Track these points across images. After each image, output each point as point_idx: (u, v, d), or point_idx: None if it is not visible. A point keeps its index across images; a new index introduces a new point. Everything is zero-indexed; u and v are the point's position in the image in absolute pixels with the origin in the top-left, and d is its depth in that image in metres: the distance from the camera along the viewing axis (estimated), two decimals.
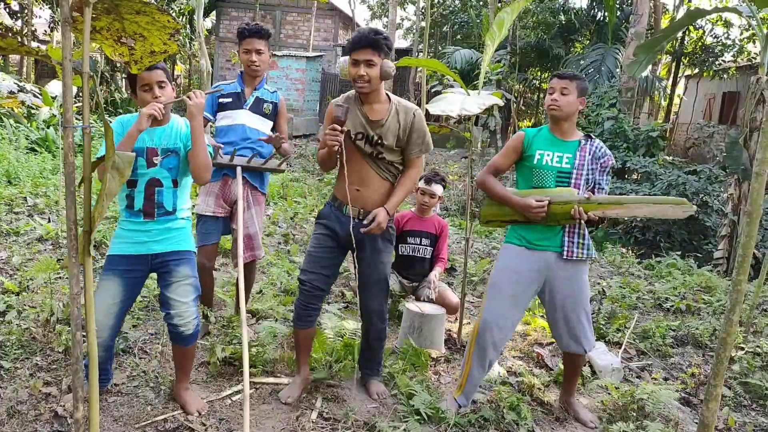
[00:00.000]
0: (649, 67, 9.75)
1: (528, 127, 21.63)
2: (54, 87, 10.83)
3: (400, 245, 3.97)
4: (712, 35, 18.35)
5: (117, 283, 2.37)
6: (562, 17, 17.45)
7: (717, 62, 17.81)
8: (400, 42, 26.75)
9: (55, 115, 9.76)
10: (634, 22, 9.78)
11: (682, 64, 19.24)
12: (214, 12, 19.63)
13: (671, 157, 12.49)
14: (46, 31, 20.46)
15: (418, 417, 2.65)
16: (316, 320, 2.80)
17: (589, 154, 2.62)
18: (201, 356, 3.09)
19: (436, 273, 3.83)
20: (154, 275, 2.52)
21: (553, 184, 2.63)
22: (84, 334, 1.66)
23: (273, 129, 3.34)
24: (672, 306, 4.66)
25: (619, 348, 3.77)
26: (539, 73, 20.48)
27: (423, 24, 17.41)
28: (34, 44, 16.25)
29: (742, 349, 3.81)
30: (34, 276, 3.86)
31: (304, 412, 2.65)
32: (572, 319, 2.69)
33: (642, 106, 14.71)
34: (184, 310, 2.43)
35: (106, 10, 1.56)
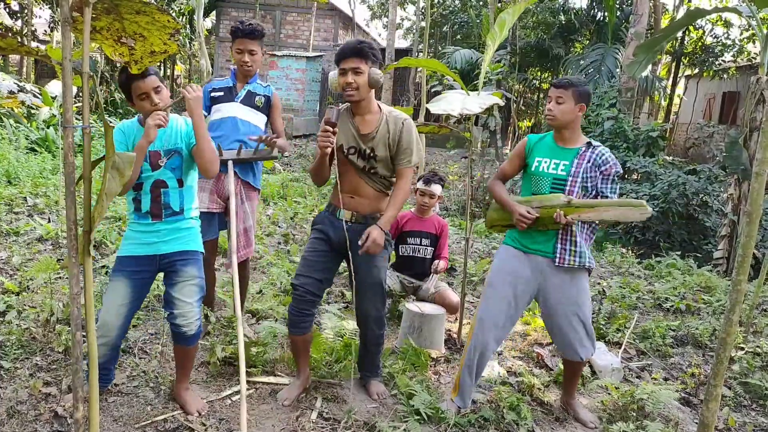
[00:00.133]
0: (649, 67, 9.74)
1: (528, 127, 21.72)
2: (54, 87, 10.83)
3: (400, 245, 3.97)
4: (712, 35, 18.35)
5: (126, 284, 2.38)
6: (562, 17, 17.45)
7: (717, 62, 17.82)
8: (400, 42, 26.75)
9: (55, 115, 9.76)
10: (634, 22, 9.78)
11: (682, 64, 19.24)
12: (214, 12, 19.63)
13: (671, 157, 12.48)
14: (46, 31, 20.46)
15: (418, 417, 2.65)
16: (312, 325, 2.77)
17: (589, 162, 2.59)
18: (201, 356, 3.09)
19: (439, 263, 3.85)
20: (159, 275, 2.53)
21: (548, 190, 2.64)
22: (84, 334, 1.66)
23: (267, 123, 3.33)
24: (672, 306, 4.66)
25: (619, 348, 3.77)
26: (539, 73, 20.49)
27: (423, 24, 17.41)
28: (34, 44, 16.24)
29: (742, 349, 3.81)
30: (34, 276, 3.86)
31: (304, 412, 2.65)
32: (565, 326, 2.67)
33: (642, 106, 14.72)
34: (188, 311, 2.43)
35: (106, 10, 1.56)
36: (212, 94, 3.21)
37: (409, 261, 3.96)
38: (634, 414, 2.82)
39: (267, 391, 2.82)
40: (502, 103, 3.19)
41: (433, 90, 10.19)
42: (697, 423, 2.44)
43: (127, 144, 2.39)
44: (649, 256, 6.63)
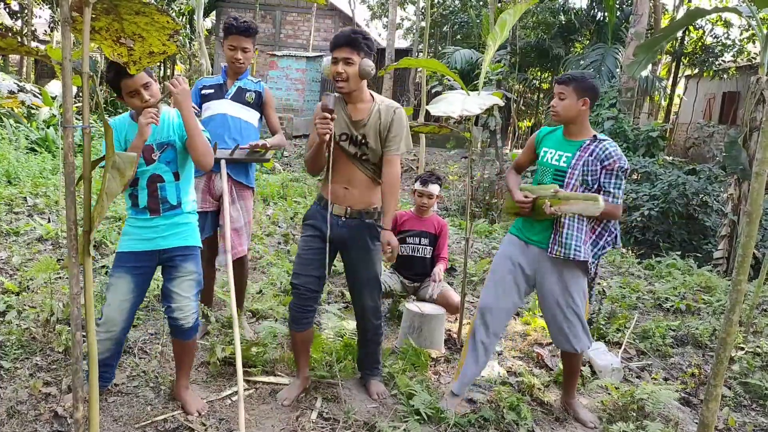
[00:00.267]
0: (649, 67, 9.73)
1: (528, 127, 21.71)
2: (54, 87, 10.83)
3: (399, 245, 3.97)
4: (712, 35, 18.35)
5: (127, 280, 2.39)
6: (562, 17, 17.44)
7: (717, 62, 17.81)
8: (400, 42, 26.75)
9: (55, 115, 9.76)
10: (634, 22, 9.78)
11: (682, 64, 19.24)
12: (214, 12, 19.62)
13: (671, 157, 12.48)
14: (46, 31, 20.47)
15: (418, 417, 2.65)
16: (313, 321, 2.79)
17: (591, 155, 2.60)
18: (201, 356, 3.09)
19: (439, 269, 3.84)
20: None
21: (550, 180, 2.69)
22: (84, 334, 1.66)
23: (262, 119, 3.31)
24: (672, 306, 4.66)
25: (619, 348, 3.77)
26: (539, 73, 20.48)
27: (423, 24, 17.40)
28: (34, 44, 16.24)
29: (742, 349, 3.81)
30: (34, 276, 3.86)
31: (304, 412, 2.65)
32: (560, 317, 2.72)
33: (642, 106, 14.72)
34: (185, 304, 2.45)
35: (105, 11, 1.56)
36: (203, 92, 3.18)
37: (408, 261, 3.96)
38: (634, 414, 2.82)
39: (267, 391, 2.82)
40: (502, 103, 3.19)
41: (433, 90, 10.19)
42: (697, 423, 2.44)
43: (119, 140, 2.38)
44: (649, 256, 6.63)
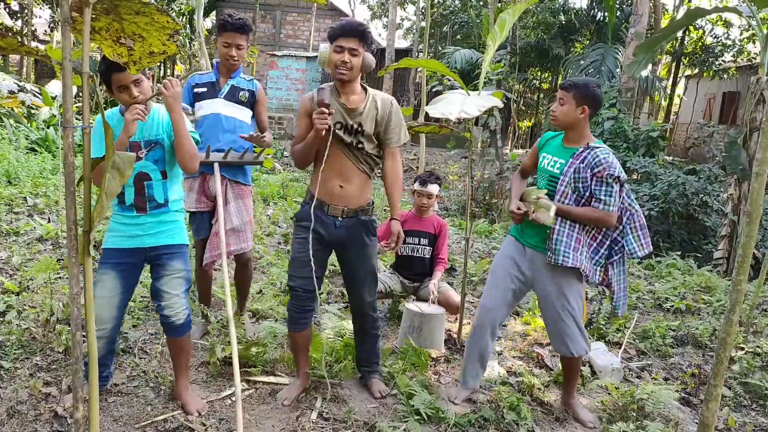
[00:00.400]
0: (649, 67, 9.72)
1: (528, 127, 21.71)
2: (54, 87, 10.82)
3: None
4: (712, 35, 18.34)
5: (114, 276, 2.39)
6: (562, 17, 17.43)
7: (717, 62, 17.80)
8: (400, 42, 26.75)
9: (55, 115, 9.75)
10: (634, 22, 9.77)
11: (682, 64, 19.23)
12: (214, 12, 19.62)
13: (671, 157, 12.48)
14: (46, 31, 20.47)
15: (418, 417, 2.65)
16: (312, 321, 2.80)
17: (582, 163, 2.60)
18: (201, 356, 3.09)
19: (435, 281, 3.78)
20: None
21: (545, 186, 2.72)
22: (84, 334, 1.66)
23: (253, 118, 3.28)
24: (672, 306, 4.66)
25: (619, 348, 3.77)
26: (539, 73, 20.49)
27: (423, 24, 17.40)
28: (34, 44, 16.24)
29: (742, 349, 3.81)
30: (34, 276, 3.86)
31: (304, 412, 2.65)
32: (555, 321, 2.73)
33: (642, 106, 14.71)
34: (174, 302, 2.45)
35: (105, 11, 1.56)
36: (195, 90, 3.15)
37: (408, 261, 3.95)
38: (634, 414, 2.82)
39: (267, 391, 2.82)
40: (501, 105, 3.19)
41: (433, 90, 10.18)
42: (697, 423, 2.44)
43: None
44: (650, 256, 6.62)
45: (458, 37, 20.62)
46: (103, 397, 2.58)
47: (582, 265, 2.63)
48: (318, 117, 2.46)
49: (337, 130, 2.60)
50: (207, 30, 20.72)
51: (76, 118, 1.57)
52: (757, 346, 3.78)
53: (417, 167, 10.73)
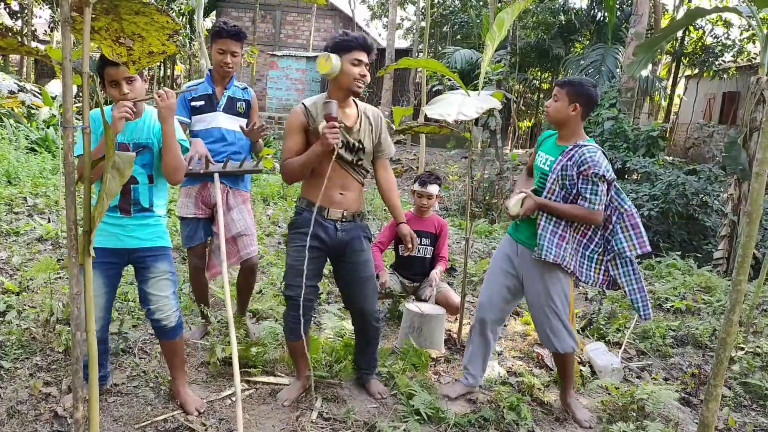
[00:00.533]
0: (649, 67, 9.71)
1: (528, 127, 21.72)
2: (54, 87, 10.81)
3: (399, 245, 3.97)
4: (712, 35, 18.34)
5: (96, 275, 2.36)
6: (562, 17, 17.43)
7: (717, 62, 17.80)
8: (400, 42, 26.74)
9: (55, 115, 9.75)
10: (634, 23, 9.77)
11: (682, 64, 19.23)
12: (214, 12, 19.63)
13: (671, 157, 12.48)
14: (46, 31, 20.46)
15: (418, 417, 2.65)
16: (310, 327, 2.78)
17: (570, 160, 2.62)
18: (201, 356, 3.09)
19: (437, 272, 3.84)
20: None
21: (537, 182, 2.78)
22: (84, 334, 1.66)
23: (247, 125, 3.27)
24: (672, 306, 4.66)
25: (619, 348, 3.77)
26: (539, 74, 20.48)
27: (423, 24, 17.41)
28: (34, 44, 16.24)
29: (742, 349, 3.81)
30: (34, 276, 3.86)
31: (304, 412, 2.65)
32: (540, 316, 2.78)
33: (642, 106, 14.70)
34: (163, 304, 2.44)
35: (105, 11, 1.56)
36: (192, 103, 3.10)
37: (408, 261, 3.95)
38: (634, 414, 2.82)
39: (267, 391, 2.82)
40: (499, 106, 3.18)
41: (434, 90, 10.18)
42: (697, 423, 2.44)
43: (96, 132, 2.33)
44: (649, 256, 6.62)
45: (458, 37, 20.62)
46: (103, 397, 2.58)
47: (565, 261, 2.65)
48: (330, 132, 2.40)
49: (339, 149, 2.57)
50: (207, 30, 20.73)
51: (76, 118, 1.57)
52: (757, 346, 3.78)
53: (417, 167, 10.73)
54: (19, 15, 19.02)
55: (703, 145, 14.69)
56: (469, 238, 3.66)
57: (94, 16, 1.55)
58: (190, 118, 3.13)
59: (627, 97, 9.84)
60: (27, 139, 8.41)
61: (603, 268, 2.74)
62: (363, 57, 2.51)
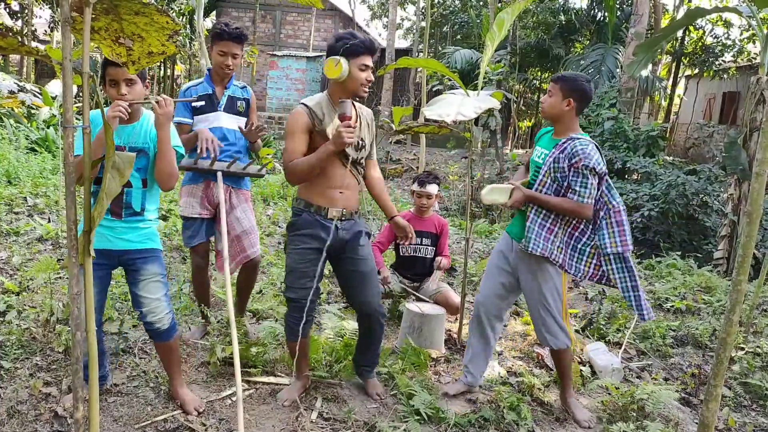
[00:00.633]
0: (649, 67, 9.70)
1: (528, 127, 21.72)
2: (54, 87, 10.81)
3: (400, 245, 3.98)
4: (712, 35, 18.34)
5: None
6: (562, 17, 17.42)
7: (717, 62, 17.79)
8: (400, 42, 26.74)
9: (55, 115, 9.75)
10: (634, 23, 9.77)
11: (682, 64, 19.22)
12: (214, 12, 19.62)
13: (671, 157, 12.47)
14: (46, 31, 20.46)
15: (418, 417, 2.65)
16: (311, 328, 2.78)
17: (562, 153, 2.63)
18: (201, 356, 3.09)
19: (442, 259, 3.87)
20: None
21: (533, 176, 2.80)
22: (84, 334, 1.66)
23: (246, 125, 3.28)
24: (672, 306, 4.66)
25: (619, 348, 3.77)
26: (539, 73, 20.47)
27: (423, 24, 17.40)
28: (34, 44, 16.23)
29: (742, 349, 3.81)
30: (34, 276, 3.86)
31: (303, 412, 2.65)
32: (534, 312, 2.81)
33: (642, 106, 14.69)
34: (155, 306, 2.42)
35: (105, 11, 1.56)
36: (193, 104, 3.10)
37: (410, 261, 3.95)
38: (635, 414, 2.82)
39: (267, 391, 2.82)
40: (498, 106, 3.18)
41: (434, 90, 10.18)
42: (697, 423, 2.44)
43: (95, 133, 2.33)
44: (650, 256, 6.62)
45: (458, 37, 20.62)
46: (103, 397, 2.58)
47: (553, 255, 2.66)
48: (346, 131, 2.39)
49: (347, 149, 2.57)
50: (207, 30, 20.73)
51: (76, 118, 1.57)
52: (757, 347, 3.78)
53: (417, 167, 10.73)
54: (19, 15, 19.02)
55: (703, 145, 14.69)
56: (469, 238, 3.66)
57: (94, 16, 1.55)
58: (192, 119, 3.13)
59: (627, 97, 9.84)
60: (27, 139, 8.41)
61: (594, 261, 2.71)
62: (370, 62, 2.53)
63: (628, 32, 10.03)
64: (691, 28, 17.58)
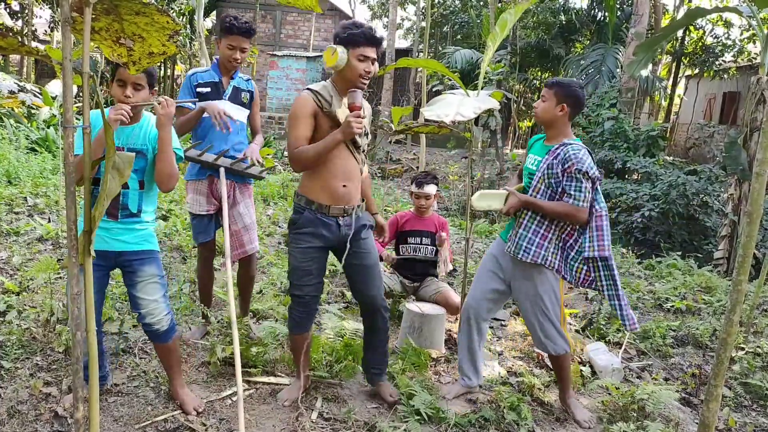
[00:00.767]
0: (650, 67, 9.70)
1: (528, 127, 21.72)
2: (54, 87, 10.81)
3: (401, 246, 3.97)
4: (712, 35, 18.33)
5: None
6: (563, 17, 17.42)
7: (717, 62, 17.79)
8: (400, 42, 26.74)
9: (55, 115, 9.75)
10: (634, 23, 9.77)
11: (682, 64, 19.22)
12: (214, 12, 19.62)
13: (671, 157, 12.47)
14: (46, 31, 20.46)
15: (419, 417, 2.65)
16: (311, 324, 2.78)
17: (555, 159, 2.63)
18: (201, 356, 3.09)
19: (443, 233, 3.88)
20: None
21: (526, 183, 2.80)
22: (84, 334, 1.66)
23: (249, 117, 3.28)
24: (672, 306, 4.66)
25: (619, 348, 3.77)
26: (539, 74, 20.47)
27: (423, 24, 17.41)
28: (34, 44, 16.23)
29: (743, 349, 3.80)
30: (34, 276, 3.86)
31: (304, 412, 2.65)
32: (531, 318, 2.79)
33: (642, 106, 14.69)
34: (154, 308, 2.41)
35: (105, 11, 1.56)
36: (198, 89, 3.11)
37: (410, 261, 3.95)
38: (635, 414, 2.82)
39: (267, 391, 2.82)
40: (498, 106, 3.18)
41: (434, 90, 10.18)
42: (697, 423, 2.44)
43: (95, 133, 2.33)
44: (650, 256, 6.62)
45: (458, 37, 20.62)
46: (103, 397, 2.58)
47: (548, 261, 2.65)
48: (355, 120, 2.38)
49: (357, 136, 2.54)
50: (207, 30, 20.72)
51: (76, 118, 1.57)
52: (758, 347, 3.78)
53: (417, 167, 10.73)
54: (19, 15, 19.02)
55: (704, 145, 14.69)
56: (469, 238, 3.66)
57: (94, 16, 1.55)
58: (195, 105, 3.12)
59: (627, 97, 9.85)
60: (27, 139, 8.41)
61: (585, 268, 2.70)
62: (370, 53, 2.47)
63: (629, 32, 10.03)
64: (691, 28, 17.59)
